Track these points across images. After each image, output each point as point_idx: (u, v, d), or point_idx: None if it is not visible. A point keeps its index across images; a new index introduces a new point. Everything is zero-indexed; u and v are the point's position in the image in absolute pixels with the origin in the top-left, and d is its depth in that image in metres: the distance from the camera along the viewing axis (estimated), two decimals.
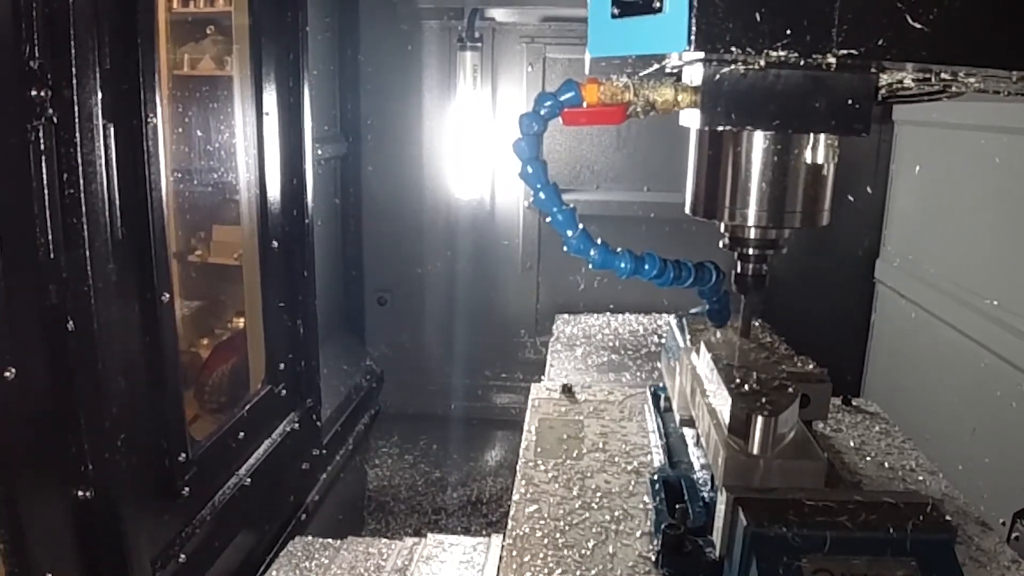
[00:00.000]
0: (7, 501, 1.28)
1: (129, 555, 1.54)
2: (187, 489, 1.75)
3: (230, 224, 2.94)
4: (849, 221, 3.10)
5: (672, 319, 1.54)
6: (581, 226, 1.07)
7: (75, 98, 1.34)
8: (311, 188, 2.35)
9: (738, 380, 1.12)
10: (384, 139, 3.17)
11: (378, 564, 2.06)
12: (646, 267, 1.11)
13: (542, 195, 1.02)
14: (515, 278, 3.29)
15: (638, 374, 2.21)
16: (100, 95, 1.39)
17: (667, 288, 1.17)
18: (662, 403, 1.63)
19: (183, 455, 1.74)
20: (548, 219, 1.04)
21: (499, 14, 2.97)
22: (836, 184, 3.20)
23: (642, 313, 2.84)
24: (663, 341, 1.59)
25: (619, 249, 1.10)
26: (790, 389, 1.11)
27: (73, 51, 1.32)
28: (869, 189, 3.00)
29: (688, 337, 1.39)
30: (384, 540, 2.18)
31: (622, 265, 1.09)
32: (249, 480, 2.04)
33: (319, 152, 2.85)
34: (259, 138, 2.16)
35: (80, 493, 1.44)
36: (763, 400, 1.06)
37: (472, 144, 3.06)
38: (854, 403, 1.82)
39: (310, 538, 2.21)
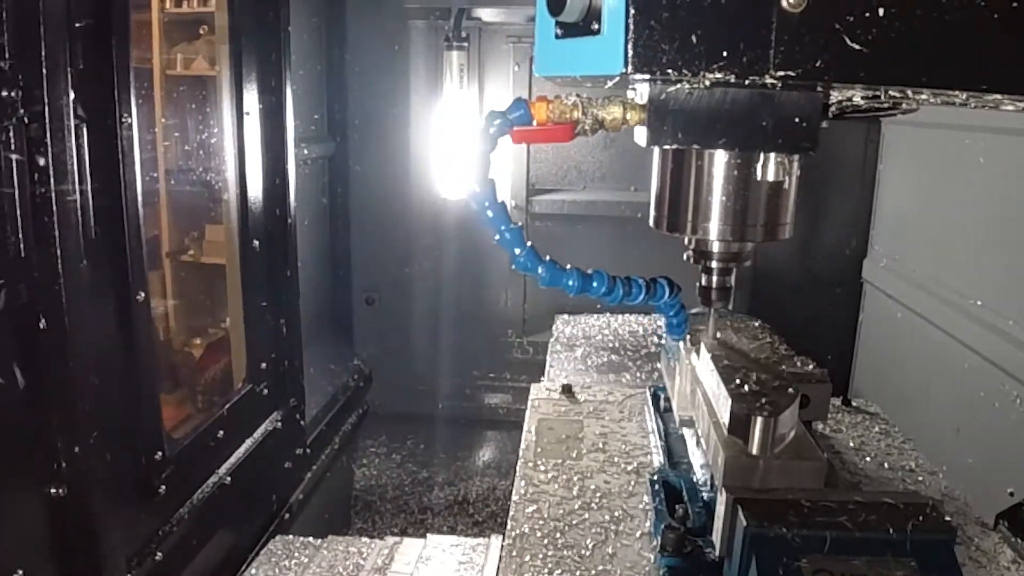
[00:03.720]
0: None
1: (103, 552, 1.55)
2: (164, 487, 1.75)
3: (222, 224, 2.95)
4: (837, 221, 3.10)
5: None
6: (529, 243, 1.07)
7: (46, 98, 1.34)
8: (294, 188, 2.36)
9: (738, 380, 1.12)
10: (371, 139, 3.17)
11: (357, 563, 2.07)
12: (594, 284, 1.11)
13: (490, 213, 1.02)
14: (503, 278, 3.29)
15: (638, 375, 2.21)
16: (72, 95, 1.41)
17: (618, 304, 1.17)
18: (662, 403, 1.63)
19: (159, 453, 1.74)
20: (496, 238, 1.04)
21: (486, 14, 2.98)
22: (821, 183, 3.14)
23: (642, 314, 2.84)
24: (663, 342, 1.59)
25: (568, 267, 1.10)
26: (790, 389, 1.11)
27: (44, 52, 1.33)
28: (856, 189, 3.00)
29: (688, 337, 1.39)
30: (365, 539, 2.19)
31: (570, 283, 1.09)
32: (229, 479, 2.05)
33: (306, 152, 2.86)
34: (239, 138, 2.17)
35: (53, 490, 1.45)
36: (763, 400, 1.06)
37: (459, 144, 3.07)
38: (854, 403, 1.82)
39: (291, 537, 2.22)
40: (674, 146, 0.97)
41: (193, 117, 2.86)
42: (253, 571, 2.06)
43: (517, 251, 1.04)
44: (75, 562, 1.51)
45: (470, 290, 3.30)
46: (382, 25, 3.08)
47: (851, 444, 1.60)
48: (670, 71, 0.78)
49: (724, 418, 1.08)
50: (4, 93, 1.28)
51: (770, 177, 0.97)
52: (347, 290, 3.33)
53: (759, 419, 1.01)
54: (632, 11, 0.77)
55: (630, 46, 0.77)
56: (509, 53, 3.10)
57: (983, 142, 2.25)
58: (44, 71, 1.34)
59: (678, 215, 1.08)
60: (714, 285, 1.16)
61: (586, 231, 3.17)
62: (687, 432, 1.43)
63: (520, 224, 1.07)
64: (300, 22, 2.72)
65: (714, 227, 1.05)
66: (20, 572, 1.35)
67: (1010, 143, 2.12)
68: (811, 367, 1.32)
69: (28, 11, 1.30)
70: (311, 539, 2.20)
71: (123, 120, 1.58)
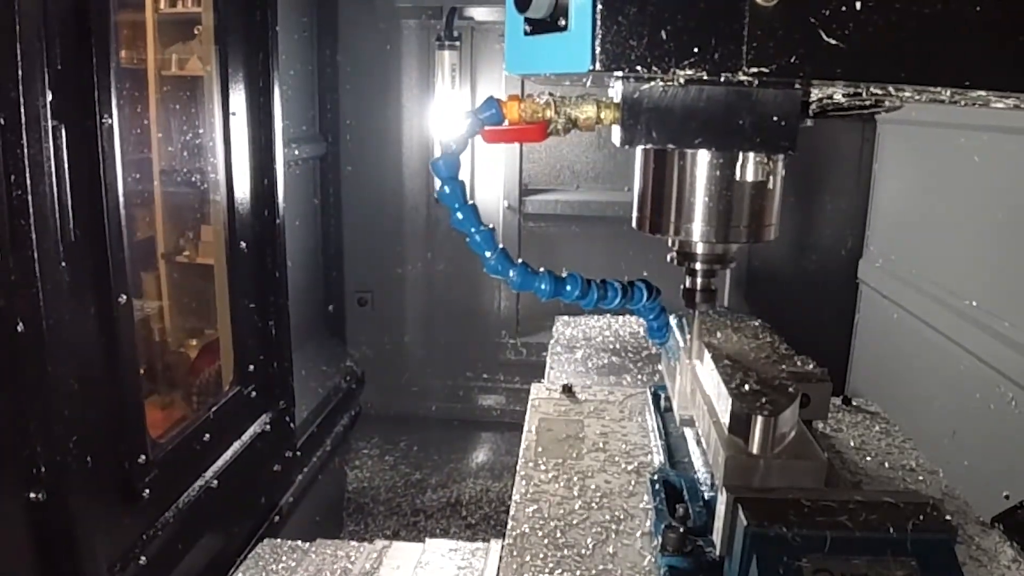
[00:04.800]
0: None
1: (84, 557, 1.54)
2: (147, 491, 1.74)
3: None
4: (832, 220, 3.08)
5: (672, 319, 1.52)
6: (500, 246, 1.05)
7: (22, 100, 1.33)
8: (282, 189, 2.35)
9: (738, 380, 1.11)
10: (363, 139, 3.16)
11: (345, 567, 2.05)
12: (567, 288, 1.09)
13: (459, 215, 1.00)
14: (496, 279, 3.27)
15: (639, 376, 2.19)
16: (49, 96, 1.39)
17: (593, 308, 1.15)
18: (662, 403, 1.62)
19: (143, 457, 1.73)
20: (466, 240, 1.02)
21: (478, 13, 2.97)
22: (816, 183, 3.12)
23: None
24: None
25: (541, 270, 1.08)
26: (790, 389, 1.10)
27: (19, 52, 1.32)
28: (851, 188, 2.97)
29: (688, 337, 1.37)
30: (353, 543, 2.17)
31: (542, 287, 1.07)
32: (216, 482, 2.04)
33: (297, 152, 2.85)
34: (226, 139, 2.15)
35: (32, 495, 1.44)
36: (763, 400, 1.05)
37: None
38: (854, 403, 1.80)
39: (279, 540, 2.21)
40: (649, 146, 0.95)
41: (188, 118, 2.86)
42: (240, 575, 2.04)
43: (488, 254, 1.03)
44: (55, 568, 1.49)
45: (464, 291, 3.29)
46: (374, 25, 3.07)
47: (851, 443, 1.58)
48: (640, 68, 0.76)
49: (724, 417, 1.08)
50: None
51: (749, 177, 0.94)
52: (340, 291, 3.32)
53: (759, 418, 1.01)
54: (599, 6, 0.75)
55: (597, 42, 0.75)
56: (502, 52, 3.08)
57: (978, 141, 2.23)
58: (20, 72, 1.32)
59: (661, 216, 1.06)
60: (698, 287, 1.14)
61: (580, 231, 3.15)
62: (688, 432, 1.42)
63: (492, 226, 1.05)
64: (290, 22, 2.71)
65: (697, 228, 1.03)
66: None
67: (1005, 142, 2.10)
68: (811, 366, 1.31)
69: (2, 10, 1.29)
70: (299, 543, 2.18)
71: (103, 121, 1.56)
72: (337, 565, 2.06)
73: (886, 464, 1.50)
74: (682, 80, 0.80)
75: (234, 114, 2.16)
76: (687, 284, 1.15)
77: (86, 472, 1.54)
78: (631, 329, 2.66)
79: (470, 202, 1.02)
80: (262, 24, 2.23)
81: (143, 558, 1.73)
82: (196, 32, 3.07)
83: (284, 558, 2.11)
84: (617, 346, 2.46)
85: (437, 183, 1.01)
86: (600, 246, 3.12)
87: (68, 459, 1.47)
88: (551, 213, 3.15)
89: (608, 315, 2.83)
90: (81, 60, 1.51)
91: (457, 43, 2.93)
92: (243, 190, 2.24)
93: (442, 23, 2.91)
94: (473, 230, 1.01)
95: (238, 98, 2.19)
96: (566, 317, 2.82)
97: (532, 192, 3.20)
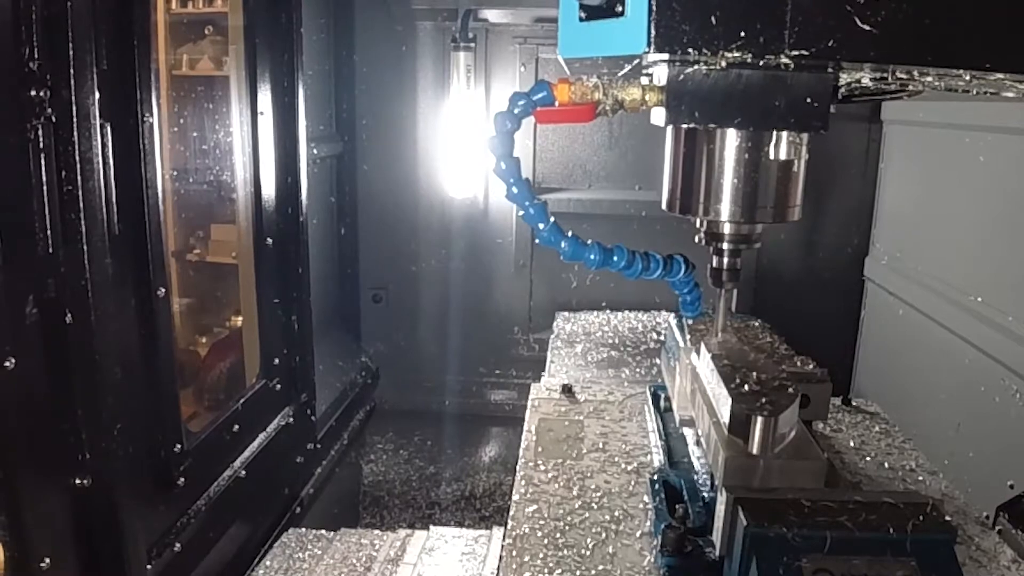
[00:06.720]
0: (7, 488, 1.32)
1: (125, 542, 1.58)
2: (182, 480, 1.79)
3: (228, 223, 2.97)
4: (838, 219, 3.14)
5: (672, 318, 1.54)
6: (552, 219, 1.11)
7: (73, 98, 1.38)
8: (305, 186, 2.39)
9: (738, 380, 1.13)
10: (379, 138, 3.21)
11: (370, 555, 2.10)
12: (614, 258, 1.15)
13: (515, 189, 1.07)
14: (509, 275, 3.33)
15: (637, 370, 2.24)
16: (97, 95, 1.44)
17: (636, 279, 1.21)
18: (662, 403, 1.64)
19: (179, 446, 1.78)
20: (521, 213, 1.08)
21: (492, 15, 3.01)
22: (823, 182, 3.18)
23: (640, 310, 2.88)
24: (662, 338, 1.60)
25: (589, 241, 1.14)
26: (790, 389, 1.11)
27: (71, 53, 1.37)
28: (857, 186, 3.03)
29: (688, 337, 1.40)
30: (376, 532, 2.23)
31: (591, 256, 1.13)
32: (244, 472, 2.09)
33: (315, 151, 2.90)
34: (254, 137, 2.20)
35: (78, 481, 1.48)
36: (763, 400, 1.07)
37: (466, 144, 3.10)
38: (854, 403, 1.82)
39: (304, 530, 2.26)
40: (691, 125, 1.00)
41: (198, 117, 2.90)
42: (268, 563, 2.09)
43: (541, 226, 1.09)
44: (99, 551, 1.54)
45: (476, 288, 3.34)
46: (390, 26, 3.11)
47: (851, 444, 1.60)
48: (690, 50, 0.82)
49: (724, 418, 1.09)
50: (33, 92, 1.32)
51: (782, 156, 1.00)
52: (355, 288, 3.36)
53: (759, 419, 1.02)
54: None
55: (653, 26, 0.81)
56: (516, 54, 3.14)
57: (983, 141, 2.29)
58: (71, 71, 1.37)
59: (690, 197, 1.11)
60: (725, 266, 1.19)
61: (591, 229, 3.17)
62: (687, 432, 1.43)
63: (544, 200, 1.11)
64: (309, 23, 2.75)
65: (725, 209, 1.08)
66: (47, 560, 1.39)
67: (1010, 142, 2.16)
68: (811, 367, 1.33)
69: (56, 12, 1.33)
70: (324, 532, 2.23)
71: (145, 120, 1.61)
72: (362, 552, 2.11)
73: (886, 464, 1.52)
74: (724, 63, 0.86)
75: (262, 113, 2.21)
76: (714, 263, 1.20)
77: (127, 459, 1.59)
78: (629, 324, 2.72)
79: (524, 177, 1.08)
80: (287, 25, 2.27)
81: (177, 544, 1.78)
82: (207, 33, 3.11)
83: (310, 546, 2.16)
84: (615, 341, 2.52)
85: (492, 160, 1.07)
86: (611, 243, 3.17)
87: (112, 446, 1.52)
88: (564, 211, 3.20)
89: (607, 310, 2.89)
90: (125, 60, 1.56)
91: (472, 44, 2.98)
92: (269, 188, 2.29)
93: (457, 25, 2.96)
94: (527, 204, 1.07)
95: (265, 98, 2.24)
96: (566, 313, 2.87)
97: (545, 191, 3.25)
